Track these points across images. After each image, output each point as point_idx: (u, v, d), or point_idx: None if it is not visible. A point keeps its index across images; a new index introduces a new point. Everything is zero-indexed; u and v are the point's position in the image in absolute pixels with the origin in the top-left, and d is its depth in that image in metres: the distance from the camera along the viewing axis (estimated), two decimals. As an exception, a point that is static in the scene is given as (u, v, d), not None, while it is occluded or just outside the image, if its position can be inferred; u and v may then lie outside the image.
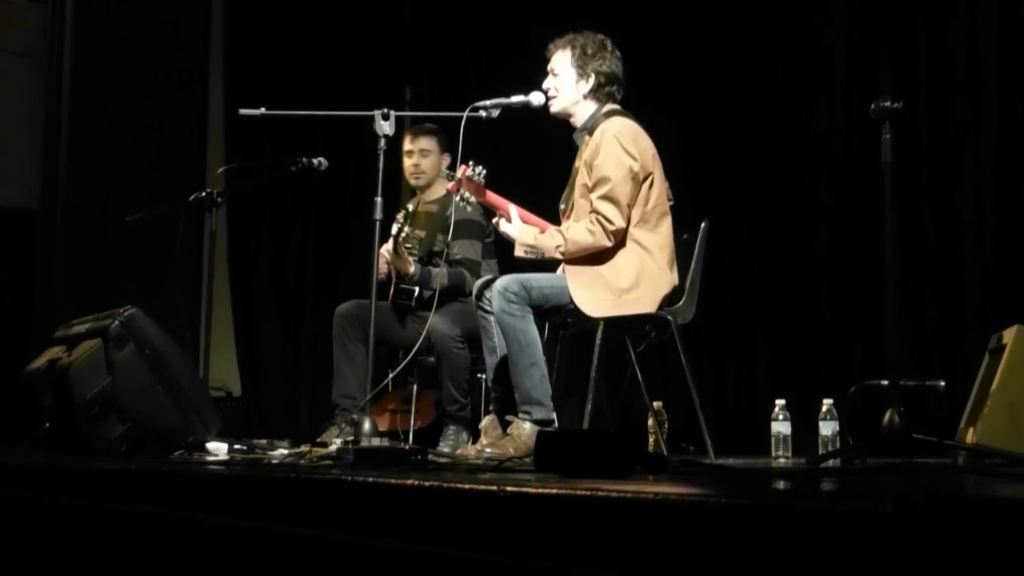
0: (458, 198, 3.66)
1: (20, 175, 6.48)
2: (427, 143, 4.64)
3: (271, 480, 2.30)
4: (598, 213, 3.58)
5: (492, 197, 3.78)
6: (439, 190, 4.66)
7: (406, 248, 4.47)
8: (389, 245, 4.42)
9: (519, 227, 3.67)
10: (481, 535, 1.72)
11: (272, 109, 3.77)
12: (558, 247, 3.61)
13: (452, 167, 4.01)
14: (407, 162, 4.70)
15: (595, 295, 3.59)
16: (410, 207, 4.77)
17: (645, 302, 3.63)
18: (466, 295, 4.06)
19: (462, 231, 4.41)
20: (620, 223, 3.59)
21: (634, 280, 3.61)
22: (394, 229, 4.32)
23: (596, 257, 3.64)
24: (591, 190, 3.64)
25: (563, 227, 3.67)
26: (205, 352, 4.44)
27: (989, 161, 4.53)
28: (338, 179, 6.40)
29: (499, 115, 3.72)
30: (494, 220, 3.76)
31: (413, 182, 4.73)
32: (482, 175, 3.62)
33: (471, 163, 3.63)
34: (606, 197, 3.58)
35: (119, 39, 6.48)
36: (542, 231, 3.68)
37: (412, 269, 4.38)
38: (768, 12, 5.39)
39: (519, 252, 3.65)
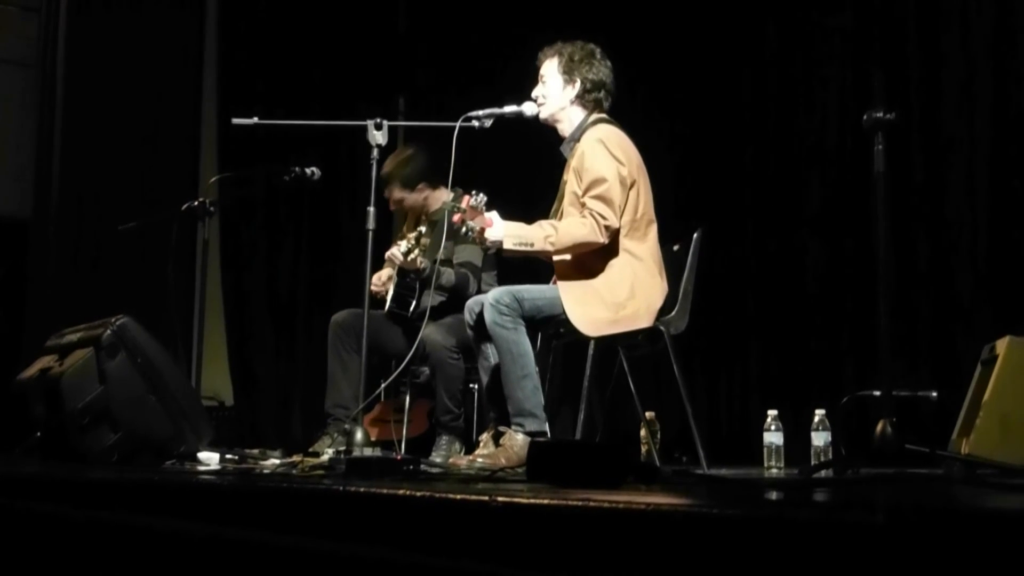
0: (464, 230, 3.60)
1: (13, 184, 6.46)
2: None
3: (263, 490, 2.30)
4: (592, 211, 3.57)
5: (491, 221, 3.74)
6: (442, 200, 4.63)
7: (414, 256, 4.42)
8: (383, 273, 4.42)
9: (503, 223, 3.60)
10: (473, 545, 1.71)
11: (265, 118, 3.77)
12: (548, 237, 3.57)
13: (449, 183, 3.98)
14: None
15: (591, 314, 3.57)
16: (422, 229, 4.68)
17: (642, 317, 3.62)
18: (466, 299, 4.06)
19: (466, 237, 4.40)
20: (614, 222, 3.57)
21: (629, 291, 3.60)
22: (403, 247, 4.28)
23: (588, 270, 3.63)
24: (584, 192, 3.62)
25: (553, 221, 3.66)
26: (197, 361, 4.43)
27: (982, 172, 4.54)
28: (331, 188, 6.40)
29: (492, 125, 3.73)
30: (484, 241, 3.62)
31: None
32: (483, 202, 3.59)
33: (473, 192, 3.61)
34: (600, 197, 3.57)
35: (112, 48, 6.47)
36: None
37: (422, 264, 4.33)
38: (761, 22, 5.41)
39: (508, 244, 3.57)
